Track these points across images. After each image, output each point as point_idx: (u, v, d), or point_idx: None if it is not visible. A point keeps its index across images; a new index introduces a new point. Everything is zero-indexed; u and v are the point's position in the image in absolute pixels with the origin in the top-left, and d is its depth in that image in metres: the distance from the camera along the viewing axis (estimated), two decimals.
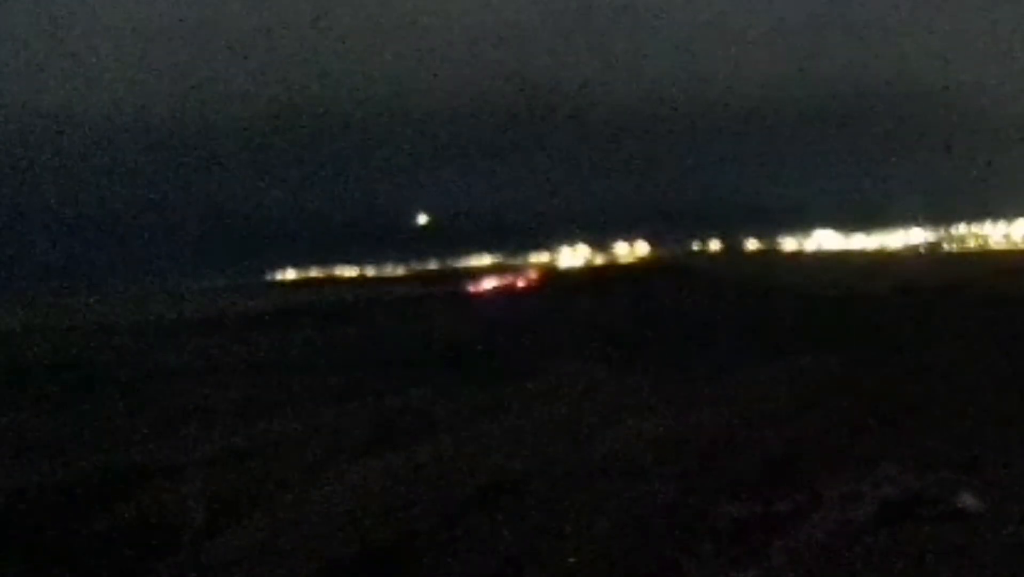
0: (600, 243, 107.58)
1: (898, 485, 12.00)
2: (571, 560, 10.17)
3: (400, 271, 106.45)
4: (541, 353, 28.38)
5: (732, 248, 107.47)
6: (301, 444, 16.42)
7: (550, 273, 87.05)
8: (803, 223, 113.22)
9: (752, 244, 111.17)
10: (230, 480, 14.03)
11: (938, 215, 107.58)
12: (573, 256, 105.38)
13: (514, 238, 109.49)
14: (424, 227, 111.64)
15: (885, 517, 11.00)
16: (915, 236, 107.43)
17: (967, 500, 11.24)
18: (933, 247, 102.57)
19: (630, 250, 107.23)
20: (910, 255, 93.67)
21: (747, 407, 18.02)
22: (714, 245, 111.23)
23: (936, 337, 27.93)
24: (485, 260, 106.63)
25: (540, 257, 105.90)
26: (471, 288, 72.59)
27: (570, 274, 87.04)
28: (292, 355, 32.27)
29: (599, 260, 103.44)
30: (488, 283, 75.96)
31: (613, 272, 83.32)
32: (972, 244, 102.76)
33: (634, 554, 10.33)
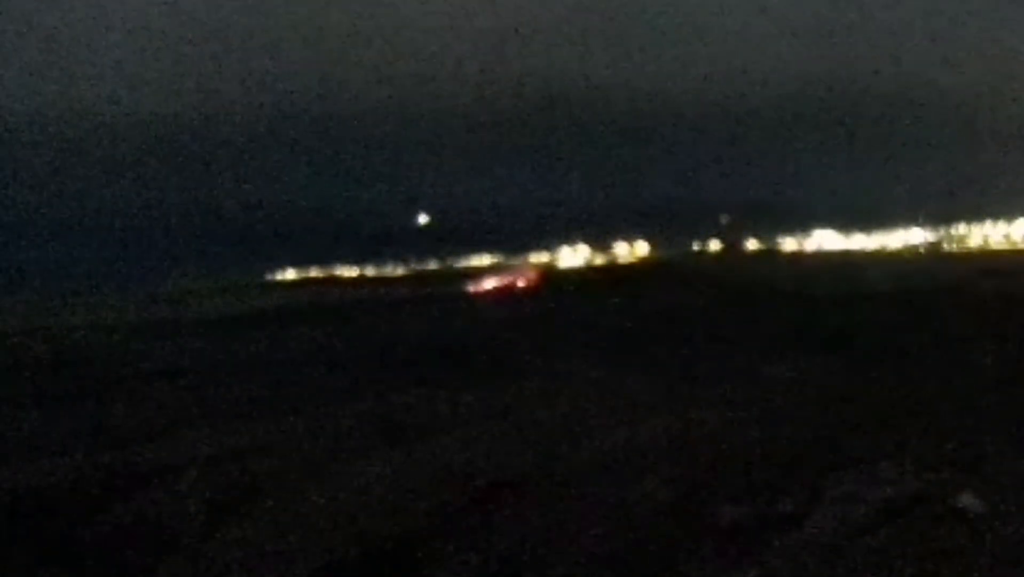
0: (600, 243, 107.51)
1: (898, 485, 11.99)
2: (571, 560, 10.17)
3: (400, 271, 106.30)
4: (541, 353, 28.37)
5: (732, 248, 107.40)
6: (301, 444, 16.41)
7: (550, 273, 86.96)
8: (803, 223, 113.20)
9: (752, 244, 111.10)
10: (229, 480, 14.03)
11: (938, 215, 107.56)
12: (573, 256, 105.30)
13: (514, 238, 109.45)
14: (424, 227, 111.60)
15: (885, 517, 10.99)
16: (915, 236, 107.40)
17: (967, 500, 11.24)
18: (933, 247, 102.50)
19: (630, 250, 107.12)
20: (910, 255, 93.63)
21: (747, 407, 18.02)
22: (714, 245, 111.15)
23: (936, 337, 27.92)
24: (485, 260, 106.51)
25: (540, 257, 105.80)
26: (471, 288, 72.51)
27: (570, 274, 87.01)
28: (292, 355, 32.23)
29: (599, 260, 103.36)
30: (488, 283, 75.88)
31: (613, 272, 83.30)
32: (972, 244, 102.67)
33: (634, 554, 10.32)
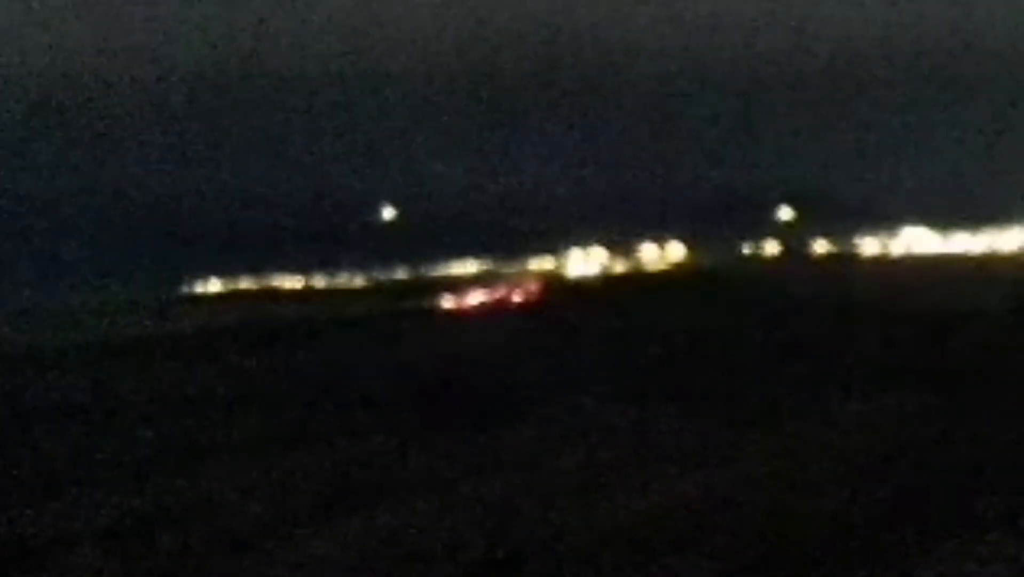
0: (621, 244, 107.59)
1: (1013, 561, 12.03)
2: None
3: (358, 282, 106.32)
4: (544, 389, 28.38)
5: (794, 251, 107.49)
6: (228, 508, 16.44)
7: (555, 284, 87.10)
8: (888, 219, 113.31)
9: (821, 245, 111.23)
10: (133, 557, 14.04)
11: None
12: (585, 261, 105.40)
13: (508, 238, 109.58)
14: (390, 224, 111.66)
15: None
16: None
17: None
18: None
19: (660, 254, 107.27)
20: None
21: (813, 460, 18.05)
22: (770, 247, 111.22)
23: None
24: (470, 267, 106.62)
25: (542, 263, 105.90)
26: (452, 304, 72.64)
27: (582, 285, 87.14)
28: (217, 391, 32.22)
29: (620, 267, 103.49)
30: (474, 297, 76.01)
31: (638, 282, 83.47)
32: None
33: None
